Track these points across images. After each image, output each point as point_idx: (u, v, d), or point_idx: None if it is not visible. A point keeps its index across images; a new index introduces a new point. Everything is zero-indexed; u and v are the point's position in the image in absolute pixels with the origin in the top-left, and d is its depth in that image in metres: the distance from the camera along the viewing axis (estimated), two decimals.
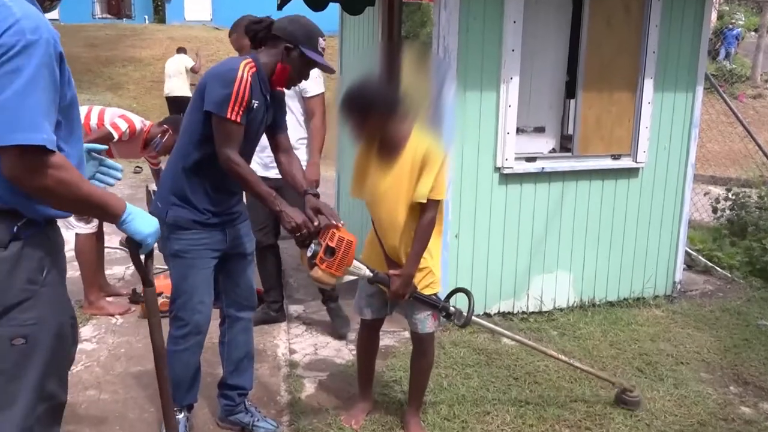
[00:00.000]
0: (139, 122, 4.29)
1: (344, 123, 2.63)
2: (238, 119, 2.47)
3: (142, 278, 2.04)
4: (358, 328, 3.15)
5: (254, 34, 2.61)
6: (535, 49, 4.38)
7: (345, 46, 5.64)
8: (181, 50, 11.78)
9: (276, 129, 2.80)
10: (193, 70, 11.29)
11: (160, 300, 4.22)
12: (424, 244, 2.72)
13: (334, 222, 2.58)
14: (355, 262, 2.61)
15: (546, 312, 4.51)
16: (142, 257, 2.00)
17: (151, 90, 13.91)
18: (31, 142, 1.56)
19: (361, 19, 5.18)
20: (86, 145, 2.13)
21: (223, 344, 2.98)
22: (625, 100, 4.45)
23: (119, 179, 2.19)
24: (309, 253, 2.53)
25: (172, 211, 2.64)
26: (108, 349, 3.85)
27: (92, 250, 4.33)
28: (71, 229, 4.22)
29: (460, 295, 2.93)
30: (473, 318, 2.85)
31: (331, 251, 2.50)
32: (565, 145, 4.66)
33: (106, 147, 2.20)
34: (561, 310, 4.56)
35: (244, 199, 3.00)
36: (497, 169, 4.21)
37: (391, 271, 2.72)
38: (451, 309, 2.84)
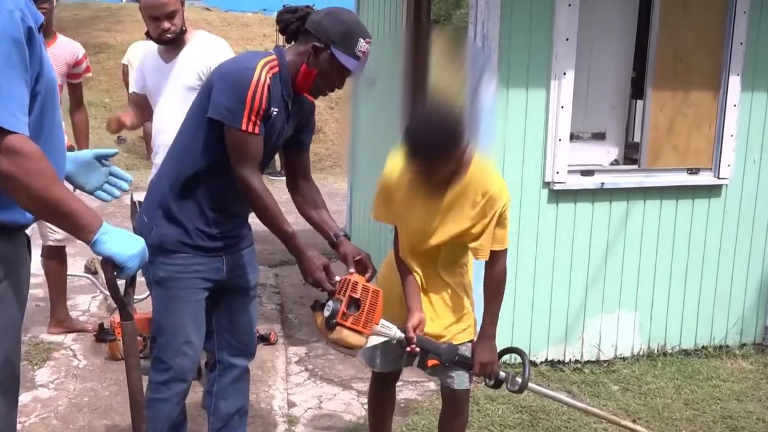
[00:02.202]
0: None
1: (412, 167, 2.57)
2: (256, 130, 2.46)
3: (119, 310, 2.04)
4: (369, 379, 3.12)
5: (285, 25, 2.59)
6: (594, 38, 4.37)
7: None
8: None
9: (296, 145, 2.79)
10: None
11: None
12: (500, 300, 2.78)
13: (352, 271, 2.61)
14: (383, 320, 2.59)
15: (605, 361, 4.46)
16: (121, 284, 1.99)
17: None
18: None
19: None
20: (95, 151, 2.21)
21: (211, 395, 2.97)
22: (705, 101, 4.41)
23: (126, 190, 2.28)
24: (327, 313, 2.51)
25: (157, 228, 2.63)
26: (68, 398, 3.85)
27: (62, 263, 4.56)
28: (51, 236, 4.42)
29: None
30: (529, 384, 2.86)
31: (356, 303, 2.47)
32: (630, 155, 4.63)
33: (116, 151, 2.30)
34: (624, 359, 4.51)
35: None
36: (546, 185, 4.19)
37: (472, 344, 2.78)
38: (501, 374, 2.85)
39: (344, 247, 2.71)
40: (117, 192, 2.26)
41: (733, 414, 3.90)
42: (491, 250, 2.69)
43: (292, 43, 2.63)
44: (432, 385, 3.99)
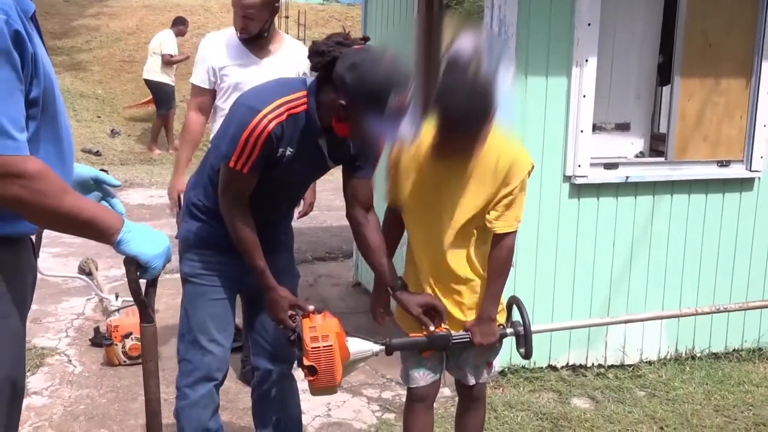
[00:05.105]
0: None
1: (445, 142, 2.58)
2: (245, 170, 2.50)
3: (140, 312, 2.07)
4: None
5: (314, 67, 2.52)
6: (617, 22, 4.37)
7: (371, 18, 5.69)
8: (177, 21, 12.04)
9: (349, 167, 2.74)
10: (164, 60, 11.44)
11: (130, 343, 4.29)
12: (505, 279, 2.78)
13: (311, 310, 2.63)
14: (354, 342, 2.64)
15: (630, 366, 4.47)
16: (143, 284, 2.02)
17: (120, 72, 14.12)
18: None
19: None
20: (96, 174, 2.20)
21: (255, 404, 3.06)
22: (737, 89, 4.41)
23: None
24: (296, 354, 2.62)
25: (185, 224, 2.79)
26: (63, 405, 3.89)
27: None
28: None
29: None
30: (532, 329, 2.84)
31: (312, 369, 2.53)
32: (656, 147, 4.63)
33: (119, 183, 2.30)
34: (650, 363, 4.51)
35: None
36: (567, 179, 4.20)
37: (468, 323, 2.77)
38: (508, 331, 2.85)
39: (403, 299, 2.76)
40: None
41: (766, 421, 3.90)
42: (502, 233, 2.71)
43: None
44: (447, 391, 4.00)
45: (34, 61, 1.74)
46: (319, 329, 2.54)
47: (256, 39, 3.82)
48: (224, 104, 3.83)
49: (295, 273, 2.97)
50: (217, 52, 3.91)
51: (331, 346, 2.52)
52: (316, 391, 2.63)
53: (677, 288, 4.52)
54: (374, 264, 2.79)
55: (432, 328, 2.69)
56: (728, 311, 3.04)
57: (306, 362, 2.52)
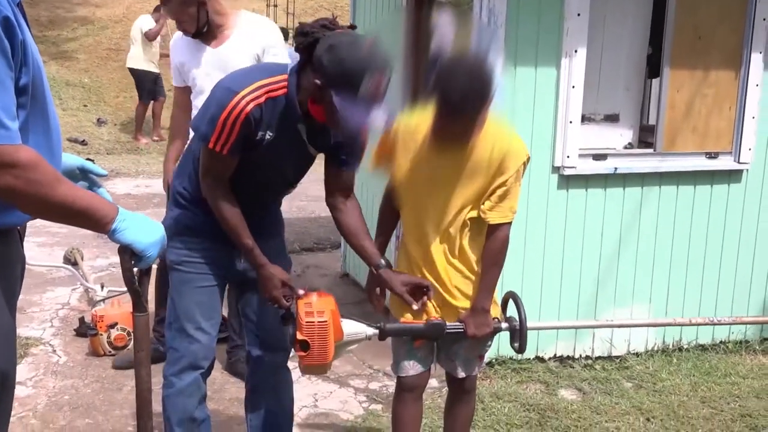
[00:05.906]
0: None
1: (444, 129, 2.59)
2: (225, 152, 2.51)
3: (133, 301, 2.06)
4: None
5: (297, 48, 2.51)
6: (607, 13, 4.36)
7: (359, 8, 5.66)
8: (156, 8, 11.90)
9: (334, 161, 2.77)
10: (147, 36, 11.33)
11: (115, 333, 4.28)
12: (499, 270, 2.78)
13: (305, 293, 2.64)
14: (348, 324, 2.64)
15: (617, 357, 4.49)
16: (136, 272, 2.01)
17: (107, 60, 14.02)
18: None
19: None
20: (82, 163, 2.18)
21: (248, 394, 3.04)
22: (726, 81, 4.42)
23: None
24: (290, 332, 2.62)
25: (170, 212, 2.79)
26: (48, 396, 3.87)
27: None
28: None
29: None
30: (528, 325, 2.83)
31: (304, 344, 2.53)
32: (645, 138, 4.63)
33: (105, 173, 2.27)
34: (637, 355, 4.53)
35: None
36: (556, 170, 4.20)
37: (462, 315, 2.77)
38: (503, 325, 2.86)
39: (387, 278, 2.76)
40: None
41: (752, 412, 3.92)
42: (498, 223, 2.70)
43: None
44: (434, 382, 4.00)
45: (24, 49, 1.71)
46: (315, 305, 2.56)
47: (199, 33, 3.78)
48: (195, 100, 3.82)
49: (288, 259, 2.96)
50: (176, 50, 3.96)
51: (325, 321, 2.53)
52: (306, 369, 2.63)
53: (665, 279, 4.53)
54: (356, 246, 2.80)
55: (415, 307, 2.69)
56: (721, 324, 3.08)
57: (299, 336, 2.52)
